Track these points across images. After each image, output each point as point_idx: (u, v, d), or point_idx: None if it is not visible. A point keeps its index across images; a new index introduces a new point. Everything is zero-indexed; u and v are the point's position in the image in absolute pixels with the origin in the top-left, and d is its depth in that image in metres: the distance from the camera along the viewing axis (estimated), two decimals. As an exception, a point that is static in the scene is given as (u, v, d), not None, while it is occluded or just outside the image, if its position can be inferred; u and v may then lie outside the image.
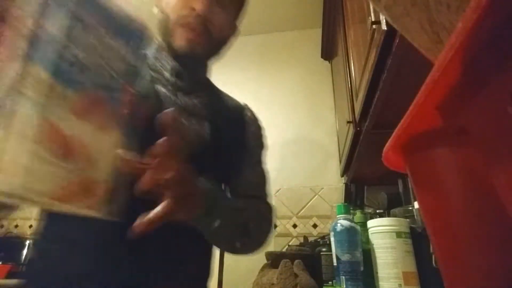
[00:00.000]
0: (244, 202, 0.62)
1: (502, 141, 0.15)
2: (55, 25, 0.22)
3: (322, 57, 1.95)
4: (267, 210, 0.69)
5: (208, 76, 0.72)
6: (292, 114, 1.89)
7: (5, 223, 1.95)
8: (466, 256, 0.20)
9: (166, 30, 0.60)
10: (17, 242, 1.73)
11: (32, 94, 0.21)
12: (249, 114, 0.74)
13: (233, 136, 0.67)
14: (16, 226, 1.93)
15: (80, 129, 0.24)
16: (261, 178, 0.73)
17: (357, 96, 1.00)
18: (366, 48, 0.79)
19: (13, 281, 1.50)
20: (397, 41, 0.59)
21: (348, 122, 1.11)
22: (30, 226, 1.91)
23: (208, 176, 0.49)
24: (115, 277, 0.49)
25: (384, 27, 0.63)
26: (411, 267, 0.75)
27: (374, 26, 0.69)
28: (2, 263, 1.57)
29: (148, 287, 0.51)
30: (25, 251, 1.67)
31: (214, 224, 0.50)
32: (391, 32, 0.61)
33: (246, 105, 0.76)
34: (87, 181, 0.25)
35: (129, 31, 0.26)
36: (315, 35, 1.93)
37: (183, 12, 0.58)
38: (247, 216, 0.60)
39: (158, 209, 0.35)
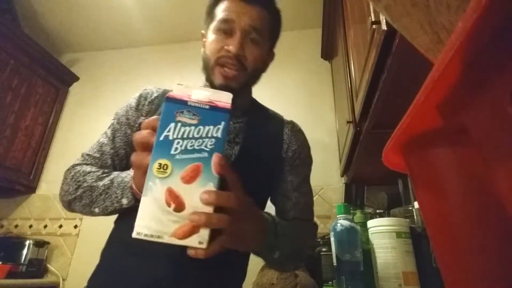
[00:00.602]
0: (295, 227, 0.65)
1: (502, 141, 0.15)
2: (169, 131, 0.36)
3: (322, 57, 1.95)
4: (314, 231, 0.72)
5: (251, 98, 0.77)
6: (292, 114, 1.86)
7: (5, 223, 1.95)
8: (466, 256, 0.20)
9: (208, 69, 0.67)
10: (17, 242, 1.72)
11: (160, 175, 0.35)
12: (288, 132, 0.74)
13: (270, 157, 0.69)
14: (16, 226, 1.93)
15: (187, 189, 0.35)
16: (307, 198, 0.72)
17: (357, 96, 1.00)
18: (366, 48, 0.79)
19: (13, 281, 1.50)
20: (397, 41, 0.59)
21: (348, 122, 1.11)
22: (30, 226, 1.91)
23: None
24: (164, 280, 0.55)
25: (384, 27, 0.63)
26: (411, 267, 0.75)
27: (374, 26, 0.69)
28: (2, 263, 1.56)
29: None
30: (25, 251, 1.67)
31: (274, 255, 0.54)
32: (391, 32, 0.61)
33: (288, 122, 0.78)
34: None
35: (212, 117, 0.37)
36: (315, 35, 1.93)
37: (220, 53, 0.64)
38: (301, 243, 0.64)
39: (213, 244, 0.36)
